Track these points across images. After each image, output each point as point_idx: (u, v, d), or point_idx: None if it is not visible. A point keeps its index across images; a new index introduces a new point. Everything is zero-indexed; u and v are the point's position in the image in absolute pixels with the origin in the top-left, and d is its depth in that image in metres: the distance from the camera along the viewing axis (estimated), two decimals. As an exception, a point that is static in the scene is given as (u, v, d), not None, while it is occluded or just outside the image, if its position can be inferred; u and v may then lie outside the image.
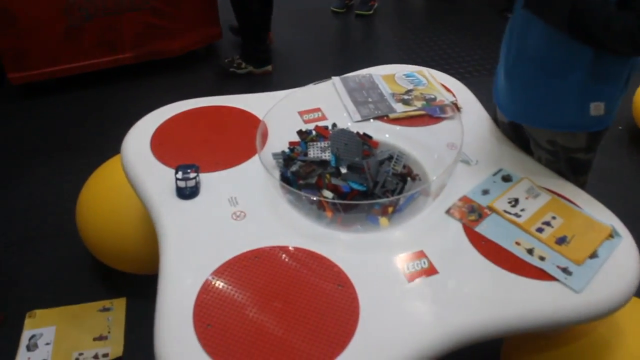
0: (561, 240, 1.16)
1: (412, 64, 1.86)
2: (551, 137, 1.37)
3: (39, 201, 2.42)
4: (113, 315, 1.87)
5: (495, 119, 1.57)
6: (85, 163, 2.35)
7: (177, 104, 1.58)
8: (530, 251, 1.14)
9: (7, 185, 2.52)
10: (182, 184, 1.21)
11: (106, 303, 1.92)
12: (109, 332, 1.82)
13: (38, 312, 1.90)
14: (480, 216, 1.23)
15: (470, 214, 1.24)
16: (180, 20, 3.09)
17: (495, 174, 1.35)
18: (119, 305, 1.90)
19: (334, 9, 4.10)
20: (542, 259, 1.12)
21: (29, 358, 1.75)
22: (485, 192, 1.30)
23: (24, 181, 2.54)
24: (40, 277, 2.08)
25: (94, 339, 1.80)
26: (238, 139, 1.42)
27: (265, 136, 1.30)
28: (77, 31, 2.95)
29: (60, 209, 2.30)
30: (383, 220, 1.20)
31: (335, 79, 1.67)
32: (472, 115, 1.59)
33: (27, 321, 1.87)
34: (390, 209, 1.22)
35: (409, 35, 3.84)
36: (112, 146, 2.44)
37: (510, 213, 1.23)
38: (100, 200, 1.78)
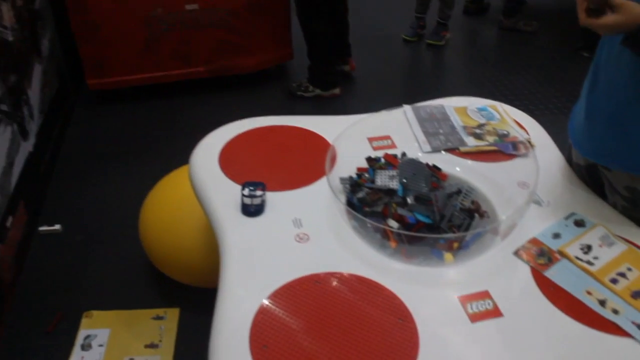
0: (637, 295, 1.10)
1: (481, 97, 1.82)
2: (630, 182, 1.31)
3: (105, 204, 2.49)
4: (166, 324, 1.89)
5: (569, 160, 1.52)
6: (151, 171, 2.41)
7: (247, 120, 1.59)
8: (602, 302, 1.08)
9: (77, 186, 2.61)
10: (248, 201, 1.21)
11: (160, 311, 1.94)
12: (160, 341, 1.84)
13: (95, 312, 1.94)
14: (550, 260, 1.18)
15: (540, 257, 1.19)
16: (254, 38, 3.16)
17: (567, 218, 1.30)
18: (172, 315, 1.92)
19: (406, 37, 4.10)
20: (615, 312, 1.06)
21: (82, 357, 1.79)
22: (556, 235, 1.25)
23: (93, 183, 2.62)
24: (99, 279, 2.13)
25: (145, 346, 1.82)
26: (305, 160, 1.42)
27: (333, 160, 1.29)
28: (155, 43, 3.05)
29: (124, 213, 2.36)
30: (448, 256, 1.17)
31: (407, 108, 1.65)
32: (545, 154, 1.54)
33: (83, 321, 1.92)
34: (455, 245, 1.19)
35: (479, 68, 3.79)
36: (178, 156, 2.49)
37: (582, 260, 1.17)
38: (163, 209, 1.82)
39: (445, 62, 3.95)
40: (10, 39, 2.37)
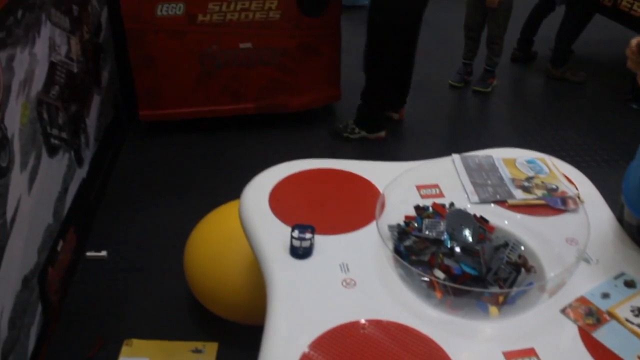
0: (689, 363, 1.07)
1: (527, 147, 1.82)
2: (683, 247, 1.29)
3: (151, 234, 2.55)
4: (203, 358, 1.91)
5: (619, 219, 1.50)
6: (197, 203, 2.47)
7: (297, 162, 1.63)
8: (653, 369, 1.06)
9: (124, 215, 2.68)
10: (297, 243, 1.24)
11: (199, 344, 1.96)
12: (197, 374, 1.86)
13: (135, 341, 1.98)
14: (599, 321, 1.16)
15: (588, 317, 1.17)
16: (303, 78, 3.23)
17: (617, 277, 1.28)
18: (211, 350, 1.94)
19: (453, 83, 4.13)
20: (666, 379, 1.04)
21: (121, 385, 1.81)
22: (605, 295, 1.23)
23: (140, 212, 2.69)
24: (141, 307, 2.17)
25: (183, 378, 1.85)
26: (354, 205, 1.44)
27: (382, 207, 1.31)
28: (207, 78, 3.15)
29: (169, 244, 2.41)
30: (493, 310, 1.16)
31: (455, 157, 1.67)
32: (594, 211, 1.52)
33: (123, 348, 1.95)
34: (501, 299, 1.18)
35: (525, 116, 3.78)
36: (224, 191, 2.54)
37: (633, 323, 1.15)
38: (210, 243, 1.85)
39: (491, 109, 3.96)
40: (75, 70, 2.49)
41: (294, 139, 3.30)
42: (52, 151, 2.19)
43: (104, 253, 2.42)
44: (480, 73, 4.12)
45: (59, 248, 2.17)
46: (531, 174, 1.65)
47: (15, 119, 1.85)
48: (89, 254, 2.42)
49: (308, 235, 1.24)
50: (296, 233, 1.25)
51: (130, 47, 3.04)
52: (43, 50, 2.14)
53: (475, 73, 4.19)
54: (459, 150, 2.83)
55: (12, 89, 1.84)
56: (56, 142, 2.23)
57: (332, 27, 3.15)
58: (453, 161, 1.66)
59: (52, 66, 2.24)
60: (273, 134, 3.33)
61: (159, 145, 3.24)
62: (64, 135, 2.32)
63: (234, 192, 1.52)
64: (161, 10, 2.94)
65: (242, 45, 3.07)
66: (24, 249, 1.87)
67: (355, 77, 3.27)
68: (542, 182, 1.61)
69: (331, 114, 3.57)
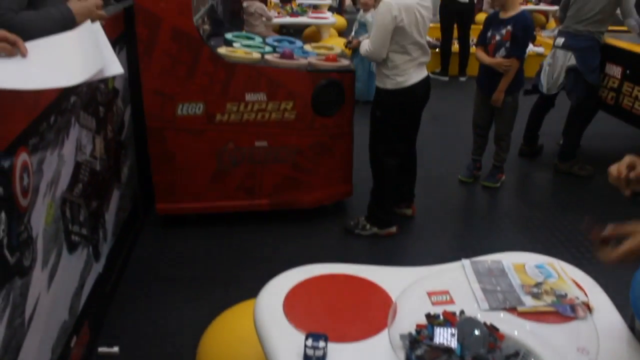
0: None
1: (535, 243, 1.87)
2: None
3: (164, 329, 2.56)
4: None
5: (631, 327, 1.51)
6: (211, 299, 2.50)
7: (311, 267, 1.67)
8: None
9: (138, 309, 2.70)
10: (310, 352, 1.26)
11: None
12: None
13: None
14: None
15: None
16: (317, 176, 3.33)
17: (629, 390, 1.28)
18: None
19: (462, 178, 4.21)
20: None
21: None
22: (618, 409, 1.23)
23: (154, 307, 2.71)
24: (151, 407, 2.15)
25: None
26: (366, 312, 1.47)
27: (394, 315, 1.34)
28: (223, 174, 3.25)
29: (182, 342, 2.42)
30: (506, 423, 1.17)
31: (465, 262, 1.71)
32: (605, 318, 1.54)
33: None
34: (513, 411, 1.19)
35: (534, 211, 3.83)
36: (237, 286, 2.58)
37: None
38: (222, 346, 1.87)
39: (500, 204, 4.02)
40: (98, 168, 2.60)
41: (306, 233, 3.36)
42: (72, 248, 2.25)
43: (115, 349, 2.42)
44: (489, 168, 4.22)
45: (72, 344, 2.19)
46: (540, 279, 1.68)
47: (40, 219, 1.92)
48: (101, 349, 2.43)
49: (321, 344, 1.27)
50: (310, 342, 1.28)
51: (150, 144, 3.17)
52: (70, 151, 2.25)
53: (484, 168, 4.28)
54: (469, 247, 2.89)
55: (40, 191, 1.92)
56: (76, 238, 2.30)
57: (344, 126, 3.28)
58: (463, 266, 1.69)
59: (77, 166, 2.34)
60: (286, 228, 3.39)
61: (173, 238, 3.30)
62: (84, 231, 2.39)
63: (249, 288, 1.55)
64: (181, 110, 3.09)
65: (258, 144, 3.19)
66: (39, 347, 1.89)
67: (367, 172, 3.37)
68: (552, 288, 1.64)
69: (343, 207, 3.64)
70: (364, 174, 3.61)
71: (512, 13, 3.82)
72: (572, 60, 4.19)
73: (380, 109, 3.17)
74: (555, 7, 11.06)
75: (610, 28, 4.39)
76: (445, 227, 3.58)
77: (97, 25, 1.83)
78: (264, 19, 6.88)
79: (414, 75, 3.11)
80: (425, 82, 3.17)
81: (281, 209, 3.41)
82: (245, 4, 6.85)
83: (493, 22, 3.93)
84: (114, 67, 1.65)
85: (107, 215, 2.77)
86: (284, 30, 7.26)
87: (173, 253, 3.17)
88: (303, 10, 7.96)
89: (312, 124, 3.20)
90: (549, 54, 4.48)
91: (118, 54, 2.89)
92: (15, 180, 1.73)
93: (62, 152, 2.15)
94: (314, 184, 3.36)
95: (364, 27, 5.72)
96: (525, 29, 3.81)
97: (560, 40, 4.31)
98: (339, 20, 8.91)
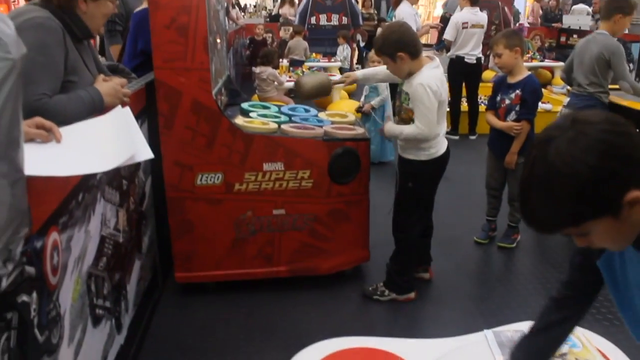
0: None
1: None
2: None
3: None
4: None
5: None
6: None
7: (336, 340, 1.69)
8: None
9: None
10: None
11: None
12: None
13: None
14: None
15: None
16: (334, 242, 3.37)
17: None
18: None
19: (478, 240, 4.23)
20: None
21: None
22: None
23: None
24: None
25: None
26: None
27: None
28: (241, 243, 3.29)
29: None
30: None
31: (488, 334, 1.72)
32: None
33: None
34: None
35: (551, 271, 3.82)
36: (260, 357, 2.56)
37: None
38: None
39: (517, 265, 4.01)
40: (121, 240, 2.65)
41: (324, 299, 3.36)
42: (97, 321, 2.28)
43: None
44: (504, 229, 4.23)
45: (94, 420, 2.19)
46: (565, 349, 1.69)
47: (68, 296, 1.96)
48: None
49: None
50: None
51: (170, 214, 3.23)
52: (96, 226, 2.31)
53: (499, 229, 4.30)
54: (488, 311, 2.88)
55: (68, 267, 1.97)
56: (100, 312, 2.33)
57: (361, 193, 3.34)
58: (486, 338, 1.71)
59: (102, 240, 2.39)
60: (305, 295, 3.40)
61: (193, 306, 3.32)
62: (107, 304, 2.43)
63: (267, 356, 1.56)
64: (201, 180, 3.16)
65: (275, 212, 3.25)
66: None
67: (382, 235, 3.39)
68: (576, 359, 1.65)
69: (360, 272, 3.65)
70: (379, 237, 3.65)
71: (519, 77, 3.92)
72: None
73: (412, 181, 3.21)
74: (561, 63, 11.29)
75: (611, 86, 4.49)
76: (463, 290, 3.57)
77: (127, 110, 1.92)
78: (275, 83, 7.08)
79: (443, 143, 3.20)
80: (448, 148, 3.26)
81: (300, 276, 3.44)
82: (257, 70, 7.07)
83: (502, 86, 4.02)
84: (144, 152, 1.73)
85: (129, 286, 2.80)
86: (291, 94, 7.45)
87: (193, 322, 3.18)
88: (314, 73, 8.17)
89: (329, 192, 3.26)
90: (558, 114, 4.61)
91: (140, 126, 2.99)
92: (46, 259, 1.78)
93: (89, 227, 2.21)
94: (331, 250, 3.39)
95: (375, 91, 5.84)
96: (533, 92, 3.90)
97: (566, 100, 4.47)
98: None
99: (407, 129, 3.09)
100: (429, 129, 3.02)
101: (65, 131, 1.73)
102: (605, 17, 4.28)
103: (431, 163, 3.16)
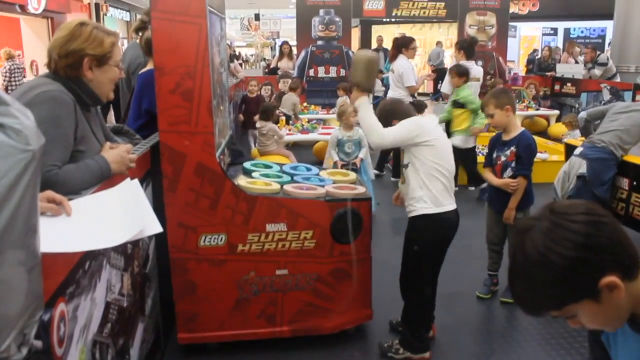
0: None
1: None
2: None
3: None
4: None
5: None
6: None
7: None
8: None
9: None
10: None
11: None
12: None
13: None
14: None
15: None
16: (337, 301, 3.37)
17: None
18: None
19: (480, 295, 4.22)
20: None
21: None
22: None
23: None
24: None
25: None
26: None
27: None
28: (244, 303, 3.30)
29: None
30: None
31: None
32: None
33: None
34: None
35: (555, 327, 3.80)
36: None
37: None
38: None
39: (521, 320, 3.99)
40: (125, 305, 2.65)
41: (328, 359, 3.34)
42: (101, 390, 2.27)
43: None
44: (506, 283, 4.23)
45: None
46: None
47: (73, 366, 1.96)
48: None
49: None
50: None
51: (173, 274, 3.24)
52: (101, 293, 2.32)
53: (501, 283, 4.30)
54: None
55: (74, 337, 1.98)
56: (105, 380, 2.32)
57: (363, 252, 3.36)
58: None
59: (107, 306, 2.40)
60: (307, 354, 3.38)
61: (195, 368, 3.30)
62: (112, 371, 2.42)
63: None
64: (204, 241, 3.19)
65: (278, 272, 3.26)
66: None
67: (385, 292, 3.39)
68: None
69: (363, 331, 3.63)
70: (382, 294, 3.65)
71: (513, 134, 3.99)
72: (583, 168, 4.33)
73: (418, 244, 3.27)
74: (555, 112, 11.47)
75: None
76: (467, 348, 3.55)
77: (136, 183, 1.97)
78: (275, 137, 7.18)
79: (445, 201, 3.24)
80: (457, 213, 3.32)
81: (303, 336, 3.42)
82: (258, 125, 7.17)
83: (497, 144, 4.10)
84: (153, 226, 1.76)
85: (132, 350, 2.79)
86: (288, 145, 7.57)
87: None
88: (313, 126, 8.28)
89: (332, 251, 3.28)
90: (567, 163, 4.63)
91: (145, 189, 3.04)
92: (53, 332, 1.79)
93: (95, 295, 2.22)
94: (334, 309, 3.39)
95: (357, 146, 5.90)
96: (527, 147, 3.97)
97: (579, 150, 4.49)
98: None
99: (368, 120, 3.18)
100: (382, 138, 3.16)
101: (75, 204, 1.77)
102: None
103: (435, 222, 3.19)
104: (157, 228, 1.78)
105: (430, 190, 3.15)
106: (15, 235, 1.08)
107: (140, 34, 4.29)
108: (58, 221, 1.68)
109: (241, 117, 7.95)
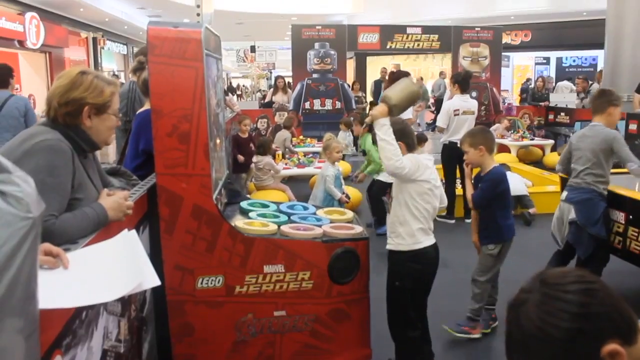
0: None
1: None
2: None
3: None
4: None
5: None
6: None
7: None
8: None
9: None
10: None
11: None
12: None
13: None
14: None
15: None
16: (335, 342, 3.35)
17: None
18: None
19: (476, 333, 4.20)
20: None
21: None
22: None
23: None
24: None
25: None
26: None
27: None
28: (242, 345, 3.27)
29: None
30: None
31: None
32: None
33: None
34: None
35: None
36: None
37: None
38: None
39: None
40: (122, 350, 2.63)
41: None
42: None
43: None
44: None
45: None
46: None
47: (70, 419, 1.93)
48: None
49: None
50: None
51: (170, 317, 3.22)
52: (98, 341, 2.30)
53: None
54: None
55: (70, 390, 1.95)
56: None
57: (361, 291, 3.35)
58: None
59: (104, 353, 2.38)
60: (306, 396, 3.35)
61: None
62: (108, 420, 2.38)
63: None
64: (201, 283, 3.18)
65: (276, 314, 3.24)
66: None
67: (382, 330, 3.36)
68: None
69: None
70: (381, 332, 3.62)
71: (488, 169, 4.08)
72: (573, 214, 4.37)
73: (399, 279, 3.31)
74: (550, 141, 11.56)
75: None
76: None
77: (134, 234, 1.97)
78: (272, 172, 7.20)
79: (424, 237, 3.32)
80: (436, 248, 3.38)
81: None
82: (255, 159, 7.20)
83: (478, 180, 4.18)
84: (151, 279, 1.76)
85: (129, 398, 2.75)
86: (283, 180, 7.60)
87: None
88: (309, 160, 8.32)
89: (330, 292, 3.27)
90: (557, 208, 4.66)
91: (142, 233, 3.04)
92: (50, 387, 1.77)
93: (92, 344, 2.20)
94: (333, 350, 3.36)
95: (338, 181, 5.95)
96: (489, 181, 4.05)
97: (564, 194, 4.52)
98: (343, 166, 9.26)
99: (392, 144, 3.18)
100: (401, 167, 3.16)
101: (72, 257, 1.77)
102: (598, 111, 4.44)
103: (413, 258, 3.25)
104: (155, 281, 1.77)
105: (410, 227, 3.24)
106: (14, 302, 1.08)
107: (138, 74, 4.34)
108: (55, 275, 1.67)
109: (240, 157, 7.84)
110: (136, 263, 1.80)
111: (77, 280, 1.66)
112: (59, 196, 2.21)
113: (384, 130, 3.17)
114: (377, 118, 3.22)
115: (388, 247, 3.36)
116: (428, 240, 3.31)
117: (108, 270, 1.73)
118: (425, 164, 3.30)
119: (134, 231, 2.04)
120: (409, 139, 3.35)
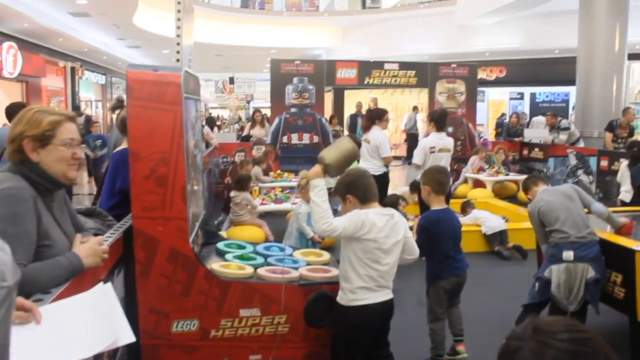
0: None
1: None
2: None
3: None
4: None
5: None
6: None
7: None
8: None
9: None
10: None
11: None
12: None
13: None
14: None
15: None
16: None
17: None
18: None
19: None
20: None
21: None
22: None
23: None
24: None
25: None
26: None
27: None
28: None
29: None
30: None
31: None
32: None
33: None
34: None
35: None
36: None
37: None
38: None
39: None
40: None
41: None
42: None
43: None
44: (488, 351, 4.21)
45: None
46: None
47: None
48: None
49: None
50: None
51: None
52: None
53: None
54: None
55: None
56: None
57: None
58: None
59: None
60: None
61: None
62: None
63: None
64: (176, 327, 3.15)
65: (252, 358, 3.22)
66: None
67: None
68: None
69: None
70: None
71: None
72: (590, 273, 4.06)
73: (340, 327, 3.20)
74: (525, 176, 11.69)
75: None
76: None
77: (109, 287, 1.95)
78: (249, 207, 7.19)
79: (371, 294, 3.13)
80: (389, 303, 3.20)
81: None
82: (232, 194, 7.19)
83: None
84: (126, 335, 1.75)
85: None
86: (260, 215, 7.61)
87: None
88: (286, 196, 8.32)
89: (306, 336, 3.26)
90: (556, 271, 4.15)
91: (117, 275, 3.01)
92: None
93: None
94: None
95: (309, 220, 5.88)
96: (419, 226, 4.21)
97: (570, 254, 4.09)
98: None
99: (321, 206, 3.07)
100: (331, 230, 3.02)
101: (45, 311, 1.75)
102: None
103: (353, 309, 3.08)
104: (130, 337, 1.75)
105: (351, 284, 3.08)
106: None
107: (117, 112, 4.33)
108: (27, 330, 1.65)
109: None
110: (111, 318, 1.78)
111: (51, 336, 1.64)
112: (24, 245, 2.15)
113: (316, 191, 3.09)
114: (312, 179, 3.14)
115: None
116: (374, 298, 3.08)
117: (82, 326, 1.71)
118: (372, 221, 3.05)
119: (109, 284, 2.02)
120: (359, 192, 3.14)
